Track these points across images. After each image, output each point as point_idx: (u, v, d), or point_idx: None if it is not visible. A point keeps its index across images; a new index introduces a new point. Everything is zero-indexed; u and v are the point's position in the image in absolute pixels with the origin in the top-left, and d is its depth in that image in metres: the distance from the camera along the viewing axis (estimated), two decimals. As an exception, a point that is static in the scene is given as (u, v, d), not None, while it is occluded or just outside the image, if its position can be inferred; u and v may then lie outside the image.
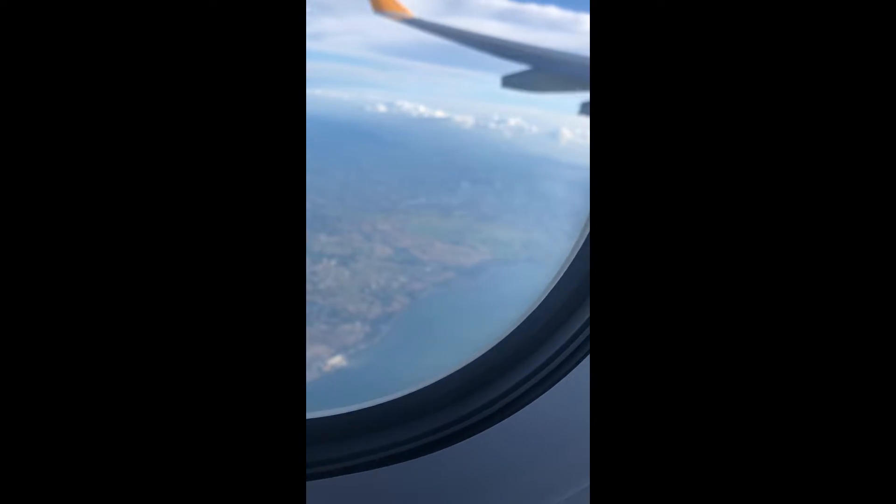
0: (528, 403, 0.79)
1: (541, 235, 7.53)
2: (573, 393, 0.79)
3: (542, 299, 0.85)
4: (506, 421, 0.79)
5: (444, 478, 0.81)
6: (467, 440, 0.79)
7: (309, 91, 0.46)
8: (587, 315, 0.80)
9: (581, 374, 0.78)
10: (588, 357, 0.77)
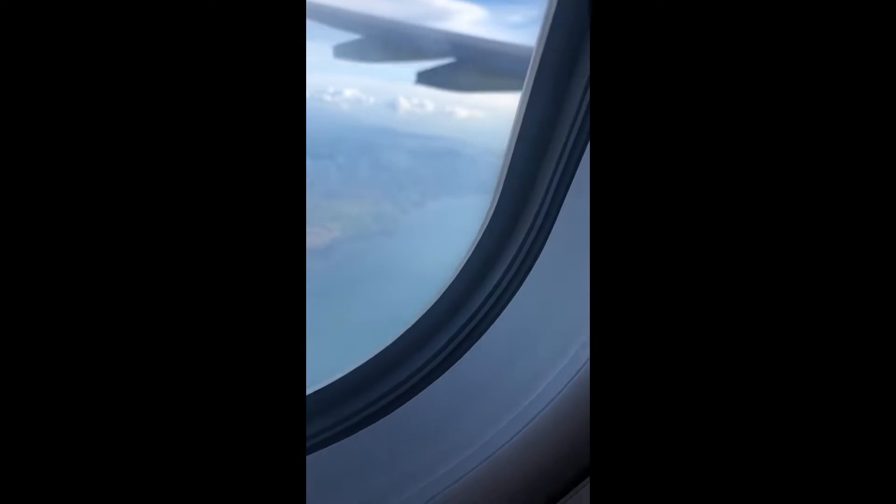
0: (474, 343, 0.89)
1: (390, 207, 7.54)
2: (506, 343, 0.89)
3: (457, 273, 0.93)
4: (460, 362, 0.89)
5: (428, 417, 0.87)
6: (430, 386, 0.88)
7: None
8: (499, 274, 0.90)
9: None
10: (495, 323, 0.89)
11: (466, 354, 0.90)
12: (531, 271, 0.88)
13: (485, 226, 0.93)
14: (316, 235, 6.68)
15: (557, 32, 0.78)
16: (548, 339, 0.83)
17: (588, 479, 0.74)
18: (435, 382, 0.89)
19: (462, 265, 0.94)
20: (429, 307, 0.93)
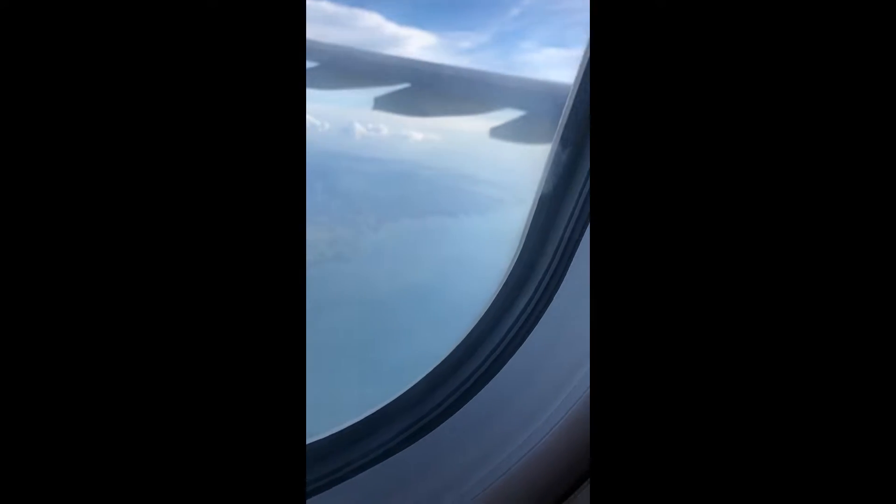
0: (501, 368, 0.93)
1: (346, 231, 7.44)
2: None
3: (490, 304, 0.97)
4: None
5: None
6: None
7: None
8: (522, 306, 0.93)
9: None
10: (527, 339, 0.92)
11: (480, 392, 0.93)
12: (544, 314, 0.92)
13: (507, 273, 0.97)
14: (269, 262, 6.46)
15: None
16: (553, 370, 0.88)
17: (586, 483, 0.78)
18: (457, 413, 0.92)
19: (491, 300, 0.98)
20: (453, 346, 0.97)
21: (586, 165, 0.86)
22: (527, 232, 0.94)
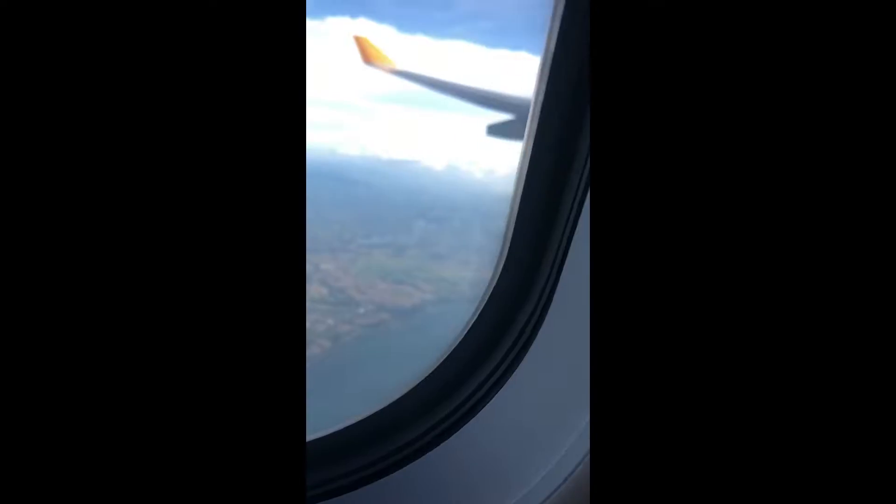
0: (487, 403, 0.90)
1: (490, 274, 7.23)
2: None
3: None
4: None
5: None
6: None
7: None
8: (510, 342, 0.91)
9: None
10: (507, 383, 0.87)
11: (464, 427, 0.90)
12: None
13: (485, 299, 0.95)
14: (407, 295, 6.59)
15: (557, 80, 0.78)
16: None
17: None
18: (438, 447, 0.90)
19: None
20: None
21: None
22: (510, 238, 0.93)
